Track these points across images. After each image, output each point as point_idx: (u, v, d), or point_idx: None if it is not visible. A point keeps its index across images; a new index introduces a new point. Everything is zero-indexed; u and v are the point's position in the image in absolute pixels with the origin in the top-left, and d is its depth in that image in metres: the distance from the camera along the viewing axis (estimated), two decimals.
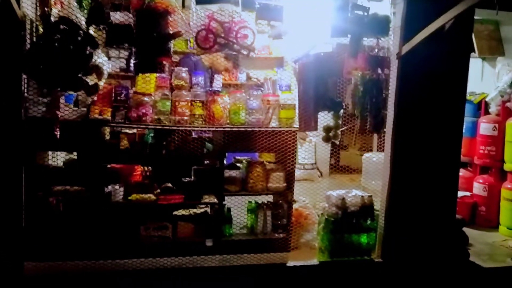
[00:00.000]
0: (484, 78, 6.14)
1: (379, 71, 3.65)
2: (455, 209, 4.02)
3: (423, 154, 3.65)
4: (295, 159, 4.15)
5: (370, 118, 3.68)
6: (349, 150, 8.46)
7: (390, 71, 3.71)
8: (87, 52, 3.10)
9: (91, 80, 3.24)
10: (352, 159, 8.42)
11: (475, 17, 3.90)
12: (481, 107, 5.60)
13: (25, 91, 3.38)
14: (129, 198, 3.90)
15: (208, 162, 4.08)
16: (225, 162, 4.24)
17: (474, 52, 5.71)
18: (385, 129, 3.79)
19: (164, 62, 3.50)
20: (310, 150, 7.51)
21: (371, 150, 7.85)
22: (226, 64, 4.28)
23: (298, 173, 7.15)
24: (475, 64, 5.96)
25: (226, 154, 4.08)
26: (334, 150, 7.98)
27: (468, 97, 4.62)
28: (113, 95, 3.62)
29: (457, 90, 3.73)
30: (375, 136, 4.88)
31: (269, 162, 4.21)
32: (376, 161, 4.16)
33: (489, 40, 5.73)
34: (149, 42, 3.18)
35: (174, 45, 3.49)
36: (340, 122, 3.66)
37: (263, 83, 4.25)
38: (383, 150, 4.03)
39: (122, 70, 4.73)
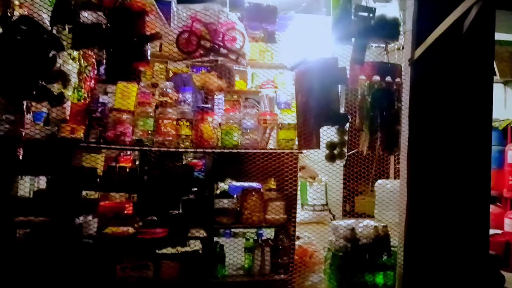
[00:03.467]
0: (507, 104, 5.62)
1: (390, 79, 3.18)
2: (488, 245, 3.38)
3: (447, 179, 3.08)
4: (296, 187, 3.62)
5: (381, 134, 3.17)
6: (365, 198, 7.92)
7: (402, 80, 3.23)
8: (51, 55, 2.70)
9: (58, 88, 2.82)
10: (368, 207, 7.84)
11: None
12: (507, 134, 5.04)
13: None
14: (103, 231, 3.38)
15: (196, 190, 3.56)
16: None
17: (495, 75, 5.24)
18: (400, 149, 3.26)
19: (141, 69, 3.09)
20: (321, 190, 6.93)
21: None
22: (220, 83, 3.87)
23: (307, 215, 6.56)
24: (497, 89, 5.47)
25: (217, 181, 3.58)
26: (347, 194, 7.46)
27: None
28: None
29: (481, 103, 3.21)
30: (392, 162, 4.34)
31: (269, 190, 3.68)
32: (391, 189, 3.59)
33: (511, 62, 5.27)
34: (123, 45, 2.77)
35: None
36: (346, 138, 3.15)
37: (259, 100, 3.80)
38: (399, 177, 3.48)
39: None
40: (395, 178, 4.56)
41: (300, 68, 3.22)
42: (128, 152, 3.92)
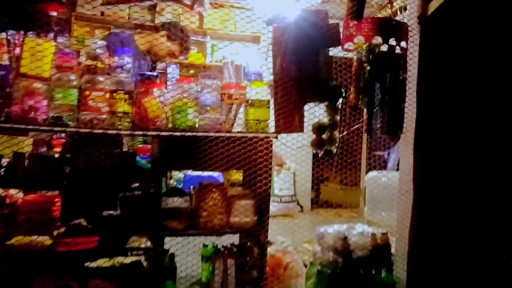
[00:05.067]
0: None
1: (394, 42, 2.43)
2: None
3: (466, 172, 2.37)
4: (269, 182, 2.83)
5: (382, 112, 2.42)
6: (329, 185, 7.38)
7: (409, 44, 2.48)
8: None
9: None
10: (332, 195, 7.36)
11: None
12: None
13: None
14: (7, 243, 2.47)
15: (138, 186, 2.71)
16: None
17: None
18: (403, 131, 2.52)
19: (53, 13, 2.18)
20: (289, 179, 6.21)
21: (356, 184, 6.63)
22: (170, 46, 3.01)
23: (274, 208, 5.82)
24: None
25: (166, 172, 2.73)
26: (316, 182, 6.91)
27: None
28: None
29: None
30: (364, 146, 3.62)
31: (233, 185, 2.87)
32: (387, 183, 2.87)
33: None
34: None
35: None
36: (338, 118, 2.38)
37: (222, 68, 2.96)
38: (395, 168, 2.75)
39: None
40: (367, 167, 3.90)
41: (279, 23, 2.39)
42: (63, 135, 3.03)
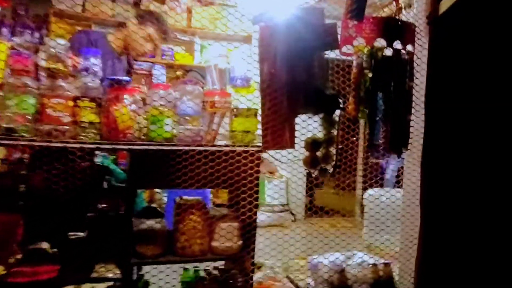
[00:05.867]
0: None
1: (399, 45, 2.11)
2: None
3: (483, 189, 2.06)
4: (257, 201, 2.50)
5: (385, 126, 2.11)
6: (324, 188, 7.06)
7: (417, 47, 2.16)
8: None
9: None
10: (328, 200, 7.04)
11: None
12: None
13: None
14: None
15: (105, 206, 2.38)
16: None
17: None
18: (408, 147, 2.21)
19: None
20: (281, 187, 5.89)
21: (353, 188, 6.32)
22: (148, 33, 2.68)
23: (265, 217, 5.49)
24: None
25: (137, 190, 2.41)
26: (310, 189, 6.57)
27: None
28: None
29: None
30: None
31: (216, 206, 2.55)
32: (388, 202, 2.56)
33: None
34: None
35: None
36: (336, 133, 2.07)
37: (205, 74, 2.63)
38: (399, 185, 2.45)
39: None
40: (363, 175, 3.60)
41: (267, 21, 2.06)
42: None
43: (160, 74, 5.08)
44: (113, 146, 2.19)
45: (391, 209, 2.53)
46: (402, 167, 5.00)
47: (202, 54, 5.56)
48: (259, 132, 2.44)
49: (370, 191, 2.91)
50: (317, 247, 3.44)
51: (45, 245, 2.36)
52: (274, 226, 5.75)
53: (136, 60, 5.03)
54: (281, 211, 5.87)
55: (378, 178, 5.41)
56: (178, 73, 5.14)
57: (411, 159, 2.32)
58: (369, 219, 2.92)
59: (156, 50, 2.95)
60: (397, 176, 5.28)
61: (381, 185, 5.31)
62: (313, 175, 2.12)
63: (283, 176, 5.92)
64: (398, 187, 4.70)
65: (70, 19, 4.86)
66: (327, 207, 6.88)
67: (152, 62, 5.26)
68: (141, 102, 2.34)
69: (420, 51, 2.17)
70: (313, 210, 6.79)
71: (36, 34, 5.29)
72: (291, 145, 2.02)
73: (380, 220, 2.56)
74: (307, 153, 2.08)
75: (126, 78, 2.27)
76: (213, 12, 5.49)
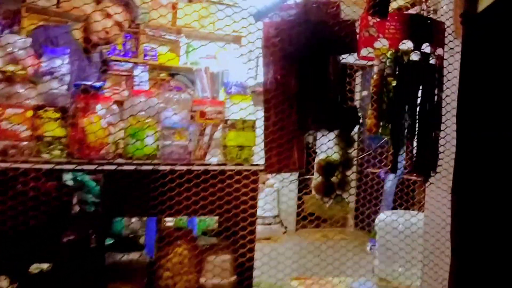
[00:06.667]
0: None
1: (428, 48, 1.77)
2: None
3: None
4: (254, 229, 2.15)
5: (411, 144, 1.77)
6: (314, 195, 6.68)
7: (447, 51, 1.83)
8: None
9: None
10: (318, 206, 6.64)
11: None
12: None
13: None
14: None
15: (72, 238, 1.98)
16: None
17: None
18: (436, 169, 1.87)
19: None
20: (272, 198, 5.53)
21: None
22: (111, 14, 2.29)
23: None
24: None
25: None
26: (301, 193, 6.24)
27: None
28: None
29: None
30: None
31: (204, 234, 2.18)
32: (405, 229, 2.22)
33: None
34: None
35: None
36: (353, 154, 1.72)
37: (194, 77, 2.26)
38: (419, 207, 2.10)
39: None
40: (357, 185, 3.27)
41: (272, 17, 1.70)
42: None
43: (142, 75, 4.65)
44: (81, 166, 1.80)
45: (406, 236, 2.19)
46: (403, 178, 4.69)
47: (188, 55, 5.17)
48: (257, 148, 2.09)
49: (381, 215, 2.56)
50: (311, 264, 3.08)
51: (3, 282, 1.98)
52: (264, 239, 5.39)
53: (117, 61, 4.63)
54: (272, 223, 5.51)
55: (374, 189, 5.10)
56: (163, 75, 4.74)
57: (435, 181, 1.99)
58: (380, 249, 2.56)
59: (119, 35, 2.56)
60: (397, 188, 4.97)
61: (379, 197, 4.99)
62: (326, 204, 1.76)
63: (274, 186, 5.57)
64: (401, 203, 4.40)
65: (43, 14, 4.43)
66: (318, 214, 6.54)
67: (134, 63, 4.87)
68: (118, 111, 1.96)
69: (452, 55, 1.83)
70: (305, 220, 6.46)
71: (7, 31, 4.86)
72: (300, 167, 1.67)
73: (394, 250, 2.22)
74: (319, 178, 1.72)
75: (98, 83, 1.88)
76: (198, 8, 5.09)
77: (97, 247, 1.94)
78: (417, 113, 1.77)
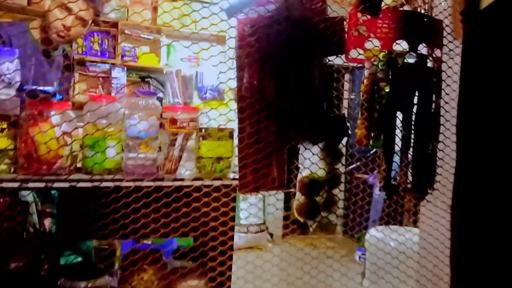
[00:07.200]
0: None
1: (424, 49, 1.57)
2: None
3: None
4: (231, 250, 1.93)
5: (405, 158, 1.56)
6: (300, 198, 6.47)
7: (445, 52, 1.63)
8: None
9: None
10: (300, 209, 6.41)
11: None
12: None
13: None
14: None
15: (21, 264, 1.74)
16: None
17: None
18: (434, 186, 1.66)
19: None
20: (258, 207, 5.32)
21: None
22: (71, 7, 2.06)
23: (239, 239, 4.94)
24: None
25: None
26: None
27: None
28: None
29: None
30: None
31: (177, 257, 1.95)
32: (397, 247, 2.02)
33: None
34: None
35: None
36: (341, 170, 1.50)
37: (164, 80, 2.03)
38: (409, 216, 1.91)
39: None
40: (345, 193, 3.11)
41: (247, 13, 1.48)
42: None
43: (120, 77, 4.42)
44: (28, 185, 1.56)
45: (399, 254, 1.99)
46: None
47: (169, 55, 4.92)
48: (234, 158, 1.87)
49: (372, 231, 2.35)
50: (294, 277, 2.88)
51: None
52: (249, 248, 5.17)
53: (93, 62, 4.36)
54: (257, 232, 5.29)
55: (360, 197, 4.90)
56: (133, 77, 4.49)
57: (433, 199, 1.79)
58: (370, 267, 2.37)
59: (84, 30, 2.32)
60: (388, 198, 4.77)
61: (367, 204, 4.79)
62: (311, 228, 1.55)
63: (259, 193, 5.35)
64: (388, 213, 4.20)
65: (12, 12, 4.17)
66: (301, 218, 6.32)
67: (112, 64, 4.63)
68: (75, 120, 1.73)
69: (451, 57, 1.63)
70: (294, 224, 6.25)
71: None
72: (280, 186, 1.45)
73: (384, 269, 2.03)
74: (301, 198, 1.51)
75: (50, 88, 1.64)
76: (179, 5, 4.84)
77: (49, 274, 1.71)
78: (412, 122, 1.56)
